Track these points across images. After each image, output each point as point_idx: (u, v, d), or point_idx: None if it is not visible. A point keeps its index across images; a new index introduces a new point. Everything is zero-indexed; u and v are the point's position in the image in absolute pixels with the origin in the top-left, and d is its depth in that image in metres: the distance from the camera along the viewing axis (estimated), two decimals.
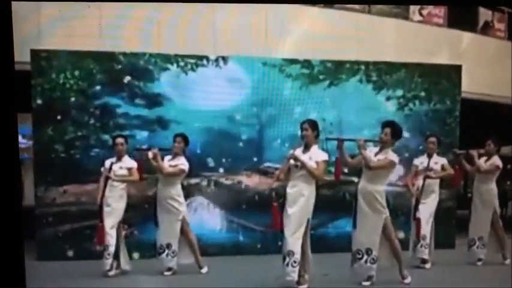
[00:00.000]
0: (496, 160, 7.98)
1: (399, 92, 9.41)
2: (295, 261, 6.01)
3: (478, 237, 8.03)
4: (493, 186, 8.03)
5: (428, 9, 12.67)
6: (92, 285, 6.81)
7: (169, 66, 8.64)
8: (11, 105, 3.53)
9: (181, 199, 7.25)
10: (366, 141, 6.34)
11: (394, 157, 6.28)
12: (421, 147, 8.60)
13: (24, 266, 3.76)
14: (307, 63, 9.14)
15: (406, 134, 9.25)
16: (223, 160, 8.78)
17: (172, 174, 7.15)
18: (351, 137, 6.54)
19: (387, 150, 6.31)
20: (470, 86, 10.90)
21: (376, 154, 6.35)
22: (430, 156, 7.80)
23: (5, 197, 3.54)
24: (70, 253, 8.20)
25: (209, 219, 8.75)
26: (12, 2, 3.59)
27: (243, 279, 7.00)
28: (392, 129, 6.36)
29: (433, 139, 7.90)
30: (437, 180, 7.81)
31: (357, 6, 11.90)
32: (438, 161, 7.82)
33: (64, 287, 6.75)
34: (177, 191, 7.20)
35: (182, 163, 7.18)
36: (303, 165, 6.03)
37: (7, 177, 3.54)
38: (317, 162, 6.07)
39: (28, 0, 8.64)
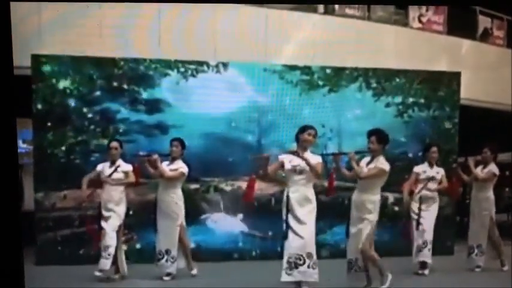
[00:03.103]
0: (493, 167, 8.00)
1: (398, 99, 9.45)
2: (315, 263, 6.02)
3: (477, 244, 8.05)
4: (490, 194, 8.05)
5: (427, 17, 12.71)
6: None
7: (169, 72, 8.67)
8: (10, 110, 3.54)
9: (181, 203, 7.30)
10: (356, 152, 6.38)
11: (385, 165, 6.27)
12: (420, 154, 8.60)
13: (24, 270, 3.76)
14: (307, 70, 9.17)
15: (404, 141, 9.37)
16: (223, 166, 8.78)
17: (174, 178, 7.20)
18: (343, 151, 6.64)
19: (378, 158, 6.32)
20: (470, 93, 10.92)
21: (368, 163, 6.38)
22: (432, 165, 7.81)
23: (4, 201, 3.55)
24: (69, 258, 8.18)
25: (208, 224, 8.76)
26: (13, 7, 3.61)
27: (242, 284, 7.00)
28: (377, 136, 6.36)
29: (435, 148, 7.92)
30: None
31: (357, 13, 11.94)
32: (439, 171, 7.85)
33: None
34: (177, 195, 7.25)
35: (182, 166, 7.25)
36: (308, 164, 6.02)
37: (6, 181, 3.54)
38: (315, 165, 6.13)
39: (27, 0, 8.65)
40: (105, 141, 8.23)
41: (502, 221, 14.13)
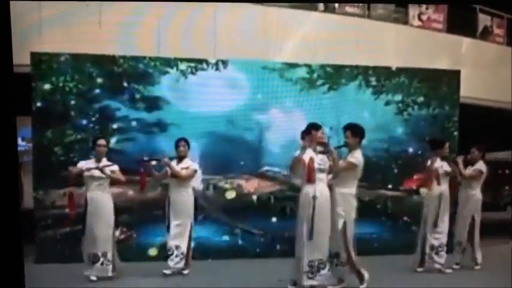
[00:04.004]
0: (480, 165, 7.99)
1: (398, 97, 9.43)
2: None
3: (458, 241, 8.08)
4: (476, 192, 8.04)
5: (427, 15, 12.71)
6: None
7: (169, 69, 8.65)
8: (10, 108, 3.53)
9: (192, 201, 7.40)
10: (335, 148, 6.38)
11: (356, 159, 6.28)
12: (419, 152, 8.59)
13: (24, 269, 3.75)
14: (307, 68, 9.15)
15: (404, 139, 9.36)
16: (223, 164, 8.77)
17: (188, 177, 7.31)
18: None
19: (353, 152, 6.33)
20: (469, 91, 10.91)
21: (345, 158, 6.42)
22: (447, 160, 7.79)
23: (4, 199, 3.53)
24: (69, 256, 8.14)
25: (208, 222, 8.74)
26: (13, 5, 3.59)
27: (242, 282, 6.99)
28: (352, 130, 6.42)
29: (447, 144, 7.92)
30: None
31: (357, 11, 11.93)
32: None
33: None
34: (188, 193, 7.37)
35: (192, 164, 7.41)
36: (334, 160, 6.08)
37: (5, 179, 3.53)
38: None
39: None
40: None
41: (505, 218, 14.16)
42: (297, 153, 6.18)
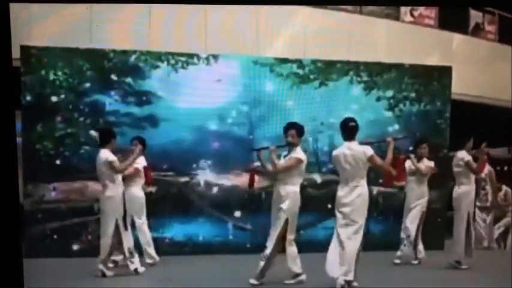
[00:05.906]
0: (430, 162, 8.04)
1: (389, 93, 9.43)
2: None
3: (407, 235, 7.99)
4: (425, 186, 8.08)
5: (419, 11, 12.72)
6: (82, 283, 6.75)
7: (159, 64, 8.61)
8: (9, 103, 3.49)
9: (140, 198, 7.32)
10: (277, 146, 6.44)
11: (301, 154, 6.29)
12: (411, 148, 8.58)
13: (23, 264, 3.73)
14: (298, 63, 9.14)
15: (395, 134, 9.35)
16: (213, 159, 8.75)
17: (131, 175, 7.18)
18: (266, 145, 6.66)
19: (295, 149, 6.33)
20: (461, 87, 10.94)
21: (285, 156, 6.42)
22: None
23: (3, 195, 3.50)
24: (59, 251, 8.11)
25: (199, 218, 8.72)
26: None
27: (232, 278, 6.99)
28: (297, 130, 6.41)
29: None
30: None
31: (348, 7, 11.92)
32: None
33: (53, 286, 6.69)
34: (134, 190, 7.25)
35: (137, 163, 7.18)
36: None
37: (5, 175, 3.49)
38: None
39: (26, 1, 8.57)
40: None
41: None
42: None
